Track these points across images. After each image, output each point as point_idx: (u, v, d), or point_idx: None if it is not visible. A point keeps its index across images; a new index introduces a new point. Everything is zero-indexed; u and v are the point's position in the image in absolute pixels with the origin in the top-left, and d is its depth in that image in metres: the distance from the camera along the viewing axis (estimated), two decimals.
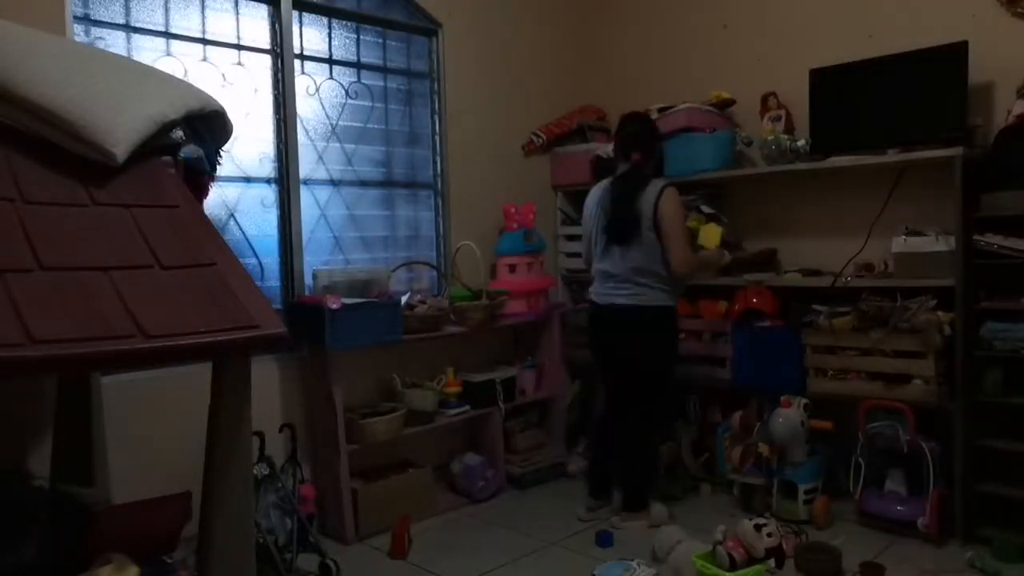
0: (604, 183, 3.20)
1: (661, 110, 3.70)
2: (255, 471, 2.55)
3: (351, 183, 3.52)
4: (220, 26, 3.09)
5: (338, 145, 3.48)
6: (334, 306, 2.95)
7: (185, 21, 2.99)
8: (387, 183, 3.66)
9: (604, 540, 2.96)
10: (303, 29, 3.35)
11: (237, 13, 3.14)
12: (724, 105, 3.70)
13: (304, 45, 3.36)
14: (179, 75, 2.82)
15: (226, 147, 2.40)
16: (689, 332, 3.62)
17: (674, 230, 2.97)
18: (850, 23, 3.37)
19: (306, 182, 3.34)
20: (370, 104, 3.60)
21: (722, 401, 3.63)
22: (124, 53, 2.81)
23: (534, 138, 4.09)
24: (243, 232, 3.14)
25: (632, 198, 3.02)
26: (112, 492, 2.37)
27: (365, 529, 3.09)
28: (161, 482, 2.26)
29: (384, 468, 3.31)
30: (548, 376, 3.90)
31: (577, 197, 4.21)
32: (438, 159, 3.81)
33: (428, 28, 3.74)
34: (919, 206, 3.13)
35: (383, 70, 3.66)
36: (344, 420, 3.06)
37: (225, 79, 3.09)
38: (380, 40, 3.64)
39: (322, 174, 3.42)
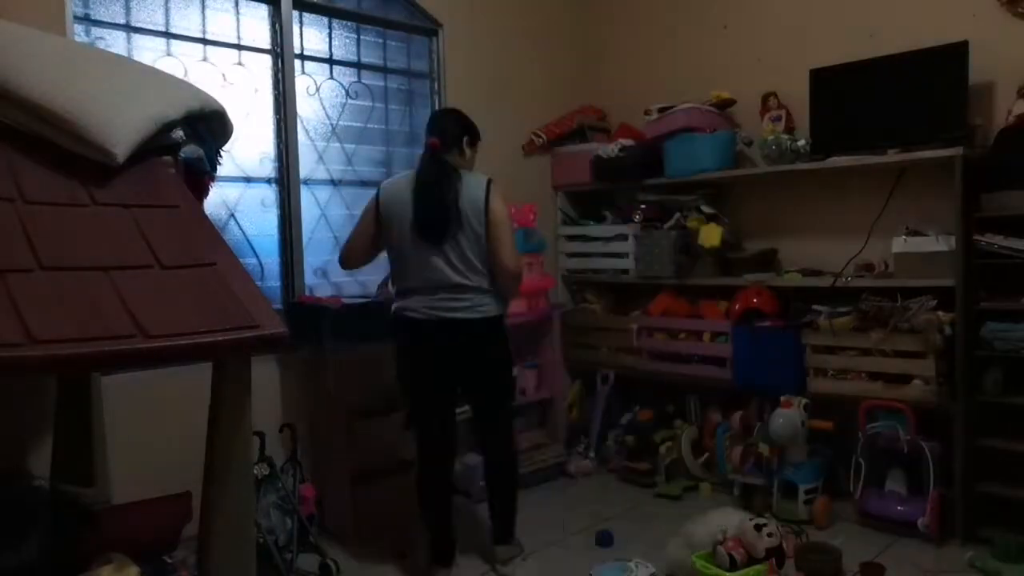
0: (405, 177, 2.69)
1: (661, 110, 3.71)
2: (255, 471, 2.55)
3: (351, 183, 3.52)
4: (220, 26, 3.09)
5: (338, 145, 3.48)
6: (334, 306, 2.95)
7: (185, 21, 2.99)
8: None
9: (604, 540, 2.96)
10: (303, 29, 3.35)
11: (237, 13, 3.14)
12: (724, 105, 3.70)
13: (304, 45, 3.36)
14: (179, 75, 2.81)
15: (226, 147, 2.40)
16: (689, 332, 3.63)
17: (506, 229, 2.64)
18: (850, 23, 3.37)
19: (306, 182, 3.34)
20: (370, 104, 3.60)
21: (722, 401, 3.63)
22: (124, 53, 2.81)
23: (535, 138, 4.09)
24: (243, 232, 3.14)
25: (444, 191, 2.59)
26: (112, 492, 2.38)
27: (365, 529, 3.08)
28: (161, 482, 2.27)
29: (384, 468, 3.31)
30: (548, 376, 3.90)
31: (578, 197, 4.23)
32: None
33: (428, 28, 3.74)
34: (919, 206, 3.13)
35: (383, 70, 3.65)
36: (344, 420, 3.06)
37: (225, 79, 3.10)
38: (380, 40, 3.64)
39: (322, 174, 3.42)
